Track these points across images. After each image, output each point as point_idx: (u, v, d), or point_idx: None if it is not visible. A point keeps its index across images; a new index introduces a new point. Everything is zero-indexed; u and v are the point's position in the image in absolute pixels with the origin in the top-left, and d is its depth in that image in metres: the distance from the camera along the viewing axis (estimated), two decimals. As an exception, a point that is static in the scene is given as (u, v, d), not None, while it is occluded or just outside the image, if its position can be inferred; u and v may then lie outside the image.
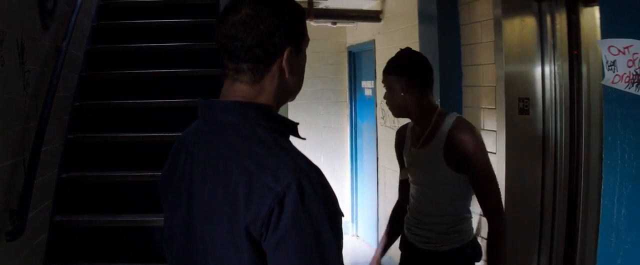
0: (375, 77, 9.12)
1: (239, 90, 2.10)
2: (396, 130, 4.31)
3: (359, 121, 10.51)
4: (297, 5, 2.18)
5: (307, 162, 1.97)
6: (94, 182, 5.83)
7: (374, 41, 9.08)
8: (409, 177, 3.99)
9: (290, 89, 2.16)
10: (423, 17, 6.34)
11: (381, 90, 8.82)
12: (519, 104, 5.15)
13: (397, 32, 8.10)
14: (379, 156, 9.19)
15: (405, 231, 4.12)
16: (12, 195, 4.37)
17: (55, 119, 5.15)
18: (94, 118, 6.37)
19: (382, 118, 8.84)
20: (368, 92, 9.85)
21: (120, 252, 5.47)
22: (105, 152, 6.13)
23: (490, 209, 3.73)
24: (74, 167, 5.90)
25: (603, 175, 3.15)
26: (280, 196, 1.85)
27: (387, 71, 3.85)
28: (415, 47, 6.57)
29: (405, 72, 3.80)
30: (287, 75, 2.09)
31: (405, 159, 4.07)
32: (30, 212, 4.46)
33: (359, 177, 10.59)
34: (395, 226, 4.29)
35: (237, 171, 1.93)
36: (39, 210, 4.91)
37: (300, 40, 2.14)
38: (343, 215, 2.00)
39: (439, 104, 5.85)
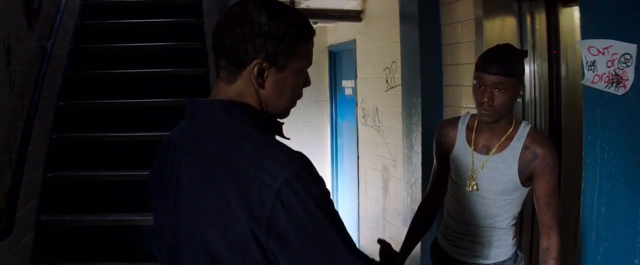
0: (356, 76, 9.16)
1: (221, 89, 2.12)
2: (440, 123, 3.92)
3: (339, 120, 10.54)
4: (303, 26, 2.14)
5: (299, 155, 1.99)
6: (79, 182, 5.84)
7: (354, 41, 9.11)
8: (472, 188, 3.60)
9: (268, 103, 2.14)
10: (404, 17, 6.36)
11: (361, 90, 8.91)
12: (499, 104, 5.20)
13: (378, 32, 8.12)
14: (359, 155, 9.22)
15: (443, 240, 3.85)
16: (-1, 196, 4.37)
17: (40, 118, 5.15)
18: (78, 118, 6.37)
19: (363, 117, 8.88)
20: (348, 92, 9.88)
21: (106, 251, 5.48)
22: (90, 152, 6.13)
23: (550, 228, 3.46)
24: (59, 167, 5.91)
25: (583, 174, 3.19)
26: (280, 191, 1.87)
27: (509, 72, 3.37)
28: (396, 47, 6.63)
29: (521, 75, 3.47)
30: (257, 86, 2.09)
31: (458, 164, 3.70)
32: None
33: (340, 176, 10.61)
34: (424, 222, 3.95)
35: (229, 169, 1.96)
36: (24, 210, 4.90)
37: (285, 59, 2.09)
38: (328, 192, 2.02)
39: (421, 104, 5.95)
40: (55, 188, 5.70)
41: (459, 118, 3.79)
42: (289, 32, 2.08)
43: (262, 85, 2.08)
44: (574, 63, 5.01)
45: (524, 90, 3.51)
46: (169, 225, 2.14)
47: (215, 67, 2.16)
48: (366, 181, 8.97)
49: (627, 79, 2.86)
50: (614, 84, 2.93)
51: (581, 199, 3.22)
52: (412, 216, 3.99)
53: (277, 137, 2.18)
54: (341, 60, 10.33)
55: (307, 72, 2.21)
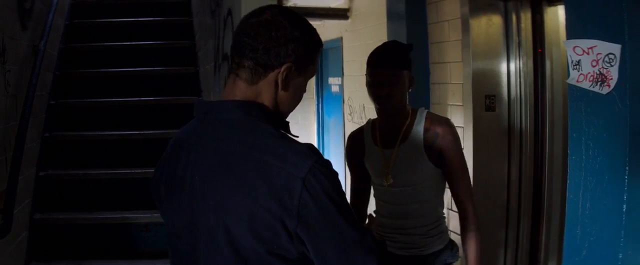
0: (343, 73, 9.19)
1: (238, 89, 2.23)
2: (349, 136, 4.14)
3: (326, 117, 10.55)
4: (317, 35, 2.31)
5: (313, 147, 2.16)
6: (71, 180, 5.87)
7: (341, 39, 9.13)
8: (389, 182, 3.73)
9: (282, 105, 2.29)
10: (391, 15, 6.39)
11: (348, 87, 8.93)
12: (485, 101, 5.24)
13: (365, 30, 8.15)
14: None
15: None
16: (-4, 195, 4.37)
17: (32, 117, 5.17)
18: (69, 116, 6.40)
19: (350, 114, 8.90)
20: (335, 89, 9.89)
21: (99, 248, 5.52)
22: (81, 150, 6.16)
23: (465, 200, 3.68)
24: (51, 165, 5.94)
25: (568, 171, 3.23)
26: (306, 181, 2.02)
27: (396, 65, 3.59)
28: (384, 45, 6.66)
29: (410, 66, 3.66)
30: (281, 88, 2.23)
31: (372, 166, 3.86)
32: (10, 211, 4.50)
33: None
34: None
35: (254, 164, 2.08)
36: (19, 208, 4.94)
37: (305, 64, 2.26)
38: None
39: (408, 101, 6.00)
40: (48, 186, 5.74)
41: (363, 127, 4.00)
42: (312, 40, 2.26)
43: (286, 88, 2.22)
44: (558, 61, 5.07)
45: (411, 80, 3.67)
46: (184, 222, 2.23)
47: (233, 66, 2.26)
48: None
49: (611, 79, 2.91)
50: (599, 83, 2.97)
51: (566, 196, 3.26)
52: None
53: None
54: (328, 58, 10.34)
55: None
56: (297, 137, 2.30)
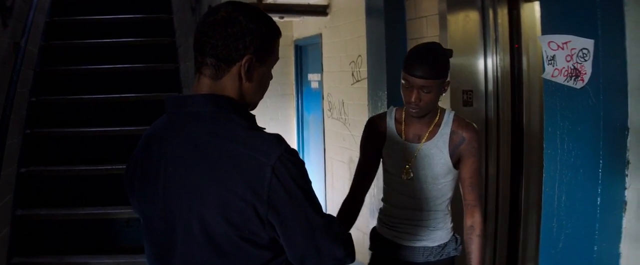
0: (322, 70, 9.21)
1: (204, 85, 2.30)
2: (368, 120, 4.07)
3: (305, 113, 10.56)
4: (274, 25, 2.38)
5: (281, 137, 2.24)
6: (53, 176, 5.87)
7: (320, 35, 9.14)
8: (409, 175, 3.74)
9: (249, 96, 2.37)
10: (370, 11, 6.41)
11: (327, 83, 8.96)
12: (463, 96, 5.27)
13: (344, 26, 8.17)
14: (326, 147, 9.27)
15: (383, 228, 3.97)
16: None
17: (13, 114, 5.15)
18: (50, 113, 6.39)
19: (329, 110, 8.92)
20: (314, 85, 9.91)
21: (81, 244, 5.52)
22: (62, 147, 6.16)
23: (476, 206, 3.74)
24: (33, 162, 5.93)
25: (544, 164, 3.28)
26: (275, 168, 2.12)
27: (436, 75, 3.50)
28: (362, 41, 6.69)
29: (447, 73, 3.60)
30: (244, 81, 2.30)
31: (392, 156, 3.83)
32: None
33: (306, 169, 10.60)
34: (348, 221, 3.97)
35: (227, 153, 2.16)
36: (1, 205, 4.96)
37: (266, 54, 2.35)
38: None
39: (387, 97, 6.02)
40: (30, 183, 5.73)
41: (385, 113, 3.96)
42: (268, 30, 2.33)
43: (250, 79, 2.30)
44: (534, 57, 5.12)
45: (448, 85, 3.65)
46: (159, 214, 2.29)
47: (197, 65, 2.33)
48: (333, 173, 9.03)
49: (585, 73, 2.95)
50: (573, 78, 3.02)
51: (542, 189, 3.31)
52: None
53: None
54: (307, 54, 10.36)
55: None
56: (264, 128, 2.37)
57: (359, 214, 4.01)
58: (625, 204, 3.00)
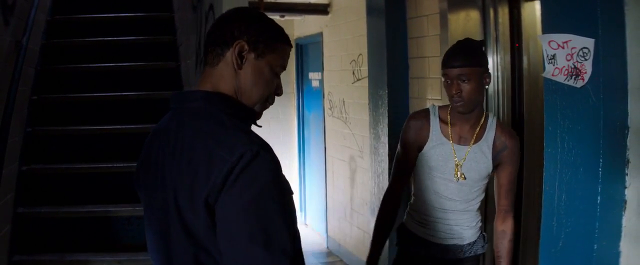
0: (323, 68, 9.22)
1: (205, 75, 2.38)
2: (410, 115, 4.07)
3: (306, 112, 10.56)
4: (280, 29, 2.42)
5: (261, 141, 2.21)
6: (54, 174, 5.88)
7: (321, 34, 9.14)
8: (457, 177, 3.80)
9: (245, 89, 2.37)
10: (371, 10, 6.42)
11: (328, 82, 8.96)
12: (463, 95, 5.28)
13: (345, 25, 8.19)
14: (326, 146, 9.27)
15: (416, 226, 4.00)
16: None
17: (15, 112, 5.17)
18: (51, 111, 6.40)
19: (330, 109, 8.93)
20: (315, 84, 9.91)
21: (82, 242, 5.53)
22: (64, 145, 6.17)
23: (510, 211, 3.86)
24: (34, 160, 5.94)
25: (544, 163, 3.28)
26: (233, 165, 2.09)
27: (473, 63, 3.62)
28: (363, 40, 6.70)
29: (484, 62, 3.69)
30: (236, 66, 2.33)
31: (438, 157, 3.84)
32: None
33: (307, 167, 10.62)
34: (389, 225, 4.06)
35: (200, 148, 2.19)
36: (2, 202, 4.96)
37: (264, 48, 2.36)
38: (292, 193, 2.30)
39: (388, 96, 6.04)
40: (31, 181, 5.74)
41: (427, 111, 3.96)
42: (270, 30, 2.38)
43: (240, 66, 2.32)
44: (535, 56, 5.11)
45: (489, 78, 3.71)
46: (158, 202, 2.35)
47: (205, 58, 2.41)
48: (333, 172, 9.03)
49: (586, 72, 2.96)
50: (573, 77, 3.02)
51: (542, 188, 3.31)
52: (376, 219, 4.09)
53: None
54: (308, 53, 10.36)
55: (280, 81, 2.46)
56: (260, 126, 2.44)
57: (397, 216, 4.09)
58: (625, 202, 3.00)
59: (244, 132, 2.23)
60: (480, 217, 3.98)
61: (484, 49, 4.07)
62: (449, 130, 3.84)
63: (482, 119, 3.80)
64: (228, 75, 2.34)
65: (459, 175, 3.79)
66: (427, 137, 3.88)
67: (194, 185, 2.16)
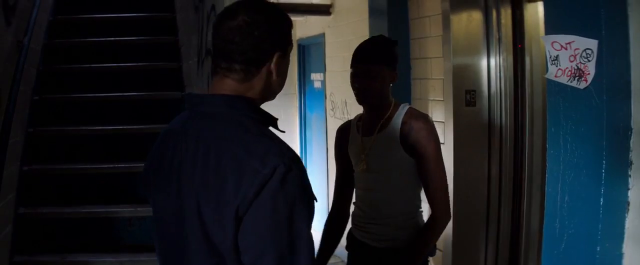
0: (325, 69, 9.19)
1: (227, 85, 2.29)
2: (338, 128, 4.22)
3: (308, 113, 10.55)
4: (285, 14, 2.38)
5: (289, 149, 2.17)
6: (55, 175, 5.89)
7: (323, 34, 9.11)
8: (363, 167, 3.85)
9: (274, 89, 2.37)
10: (373, 11, 6.42)
11: (330, 82, 8.95)
12: (466, 96, 5.28)
13: (347, 26, 8.16)
14: (328, 147, 9.25)
15: (355, 229, 4.04)
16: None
17: (16, 112, 5.17)
18: (53, 111, 6.41)
19: (332, 110, 8.92)
20: (317, 84, 9.90)
21: (83, 242, 5.53)
22: (65, 145, 6.18)
23: (435, 193, 3.76)
24: (35, 160, 5.94)
25: (547, 165, 3.27)
26: (267, 178, 2.05)
27: (375, 61, 3.74)
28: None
29: (393, 61, 3.80)
30: (274, 77, 2.31)
31: (352, 152, 3.98)
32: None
33: (309, 168, 10.57)
34: (332, 238, 4.20)
35: (227, 157, 2.13)
36: (3, 203, 4.95)
37: (287, 46, 2.35)
38: (316, 200, 2.22)
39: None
40: (32, 181, 5.74)
41: (350, 120, 4.16)
42: (285, 22, 2.35)
43: (279, 74, 2.31)
44: (537, 57, 5.12)
45: (392, 75, 3.80)
46: (173, 210, 2.29)
47: (219, 70, 2.31)
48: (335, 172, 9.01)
49: (589, 74, 2.95)
50: (576, 78, 3.01)
51: (545, 189, 3.30)
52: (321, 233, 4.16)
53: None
54: (310, 54, 10.35)
55: None
56: (283, 132, 2.37)
57: (343, 231, 4.20)
58: (628, 204, 2.99)
59: (271, 139, 2.20)
60: (417, 216, 3.90)
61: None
62: (361, 125, 3.96)
63: (390, 110, 3.83)
64: (260, 84, 2.31)
65: (362, 164, 3.85)
66: (348, 138, 4.03)
67: (222, 195, 2.11)
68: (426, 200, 3.84)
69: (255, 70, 2.27)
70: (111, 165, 5.87)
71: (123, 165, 5.88)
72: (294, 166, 2.12)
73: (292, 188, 2.09)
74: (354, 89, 3.79)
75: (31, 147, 5.92)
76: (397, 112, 3.81)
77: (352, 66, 3.79)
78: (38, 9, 6.11)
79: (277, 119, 2.40)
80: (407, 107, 3.85)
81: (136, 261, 5.25)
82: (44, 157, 6.05)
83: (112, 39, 7.21)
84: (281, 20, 2.34)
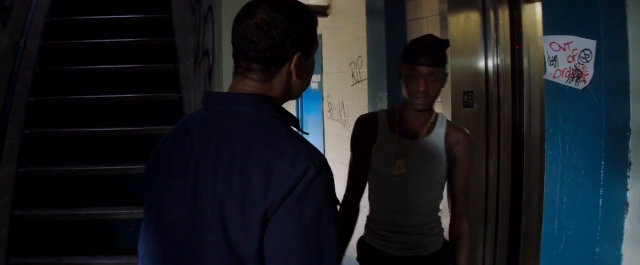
0: (322, 70, 9.18)
1: (248, 85, 2.24)
2: (357, 119, 3.97)
3: (305, 114, 10.53)
4: (310, 12, 2.31)
5: (317, 151, 2.15)
6: (51, 177, 5.89)
7: (320, 36, 9.11)
8: (400, 171, 3.63)
9: (294, 90, 2.32)
10: (370, 12, 6.41)
11: (327, 84, 8.94)
12: (463, 97, 5.27)
13: (344, 27, 8.15)
14: (325, 149, 9.24)
15: (374, 239, 3.84)
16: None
17: (12, 114, 5.19)
18: (49, 113, 6.42)
19: (329, 111, 8.91)
20: (314, 86, 9.88)
21: (79, 244, 5.53)
22: (61, 147, 6.18)
23: (464, 213, 3.73)
24: (31, 162, 5.95)
25: (545, 166, 3.26)
26: (297, 180, 2.02)
27: (441, 62, 3.58)
28: (362, 42, 6.68)
29: (447, 62, 3.66)
30: (294, 78, 2.25)
31: (382, 152, 3.73)
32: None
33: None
34: (346, 231, 3.92)
35: (255, 158, 2.07)
36: (-1, 205, 4.94)
37: (310, 46, 2.28)
38: (339, 203, 2.19)
39: (387, 98, 6.02)
40: (28, 183, 5.75)
41: (375, 113, 3.93)
42: (310, 21, 2.28)
43: (299, 75, 2.25)
44: (535, 58, 5.12)
45: (447, 77, 3.70)
46: (185, 211, 2.20)
47: (239, 69, 2.27)
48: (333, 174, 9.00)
49: (587, 74, 2.94)
50: (575, 79, 3.00)
51: (543, 190, 3.30)
52: None
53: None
54: (307, 55, 10.33)
55: None
56: (307, 134, 2.35)
57: (355, 226, 3.98)
58: (627, 205, 2.98)
59: (299, 140, 2.16)
60: (440, 223, 3.81)
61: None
62: (397, 125, 3.73)
63: (433, 116, 3.72)
64: (280, 84, 2.26)
65: (399, 168, 3.63)
66: (376, 135, 3.77)
67: (248, 197, 2.05)
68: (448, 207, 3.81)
69: (274, 69, 2.23)
70: (107, 167, 5.87)
71: (119, 167, 5.88)
72: (324, 168, 2.09)
73: (320, 190, 2.07)
74: (414, 92, 3.56)
75: (27, 149, 5.93)
76: (438, 120, 3.72)
77: (410, 67, 3.56)
78: (34, 10, 6.11)
79: (298, 120, 2.36)
80: (445, 117, 3.78)
81: (133, 263, 5.23)
82: (40, 159, 6.05)
83: (109, 40, 7.21)
84: (303, 19, 2.26)
